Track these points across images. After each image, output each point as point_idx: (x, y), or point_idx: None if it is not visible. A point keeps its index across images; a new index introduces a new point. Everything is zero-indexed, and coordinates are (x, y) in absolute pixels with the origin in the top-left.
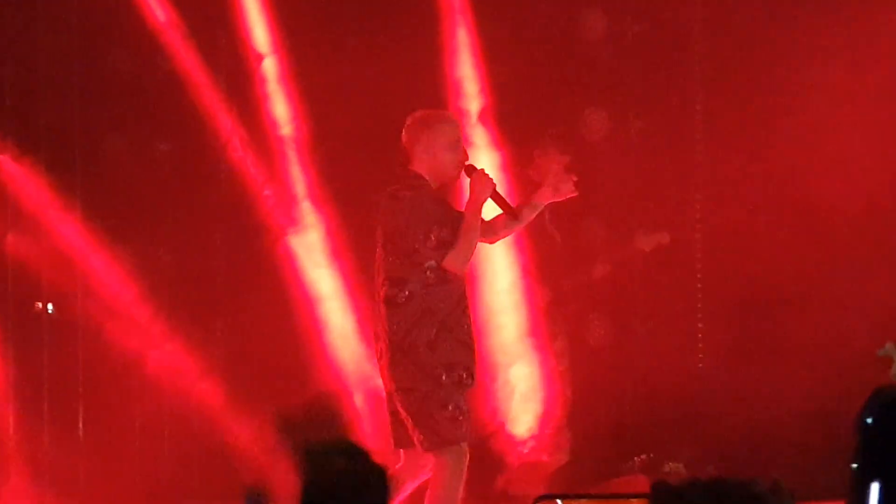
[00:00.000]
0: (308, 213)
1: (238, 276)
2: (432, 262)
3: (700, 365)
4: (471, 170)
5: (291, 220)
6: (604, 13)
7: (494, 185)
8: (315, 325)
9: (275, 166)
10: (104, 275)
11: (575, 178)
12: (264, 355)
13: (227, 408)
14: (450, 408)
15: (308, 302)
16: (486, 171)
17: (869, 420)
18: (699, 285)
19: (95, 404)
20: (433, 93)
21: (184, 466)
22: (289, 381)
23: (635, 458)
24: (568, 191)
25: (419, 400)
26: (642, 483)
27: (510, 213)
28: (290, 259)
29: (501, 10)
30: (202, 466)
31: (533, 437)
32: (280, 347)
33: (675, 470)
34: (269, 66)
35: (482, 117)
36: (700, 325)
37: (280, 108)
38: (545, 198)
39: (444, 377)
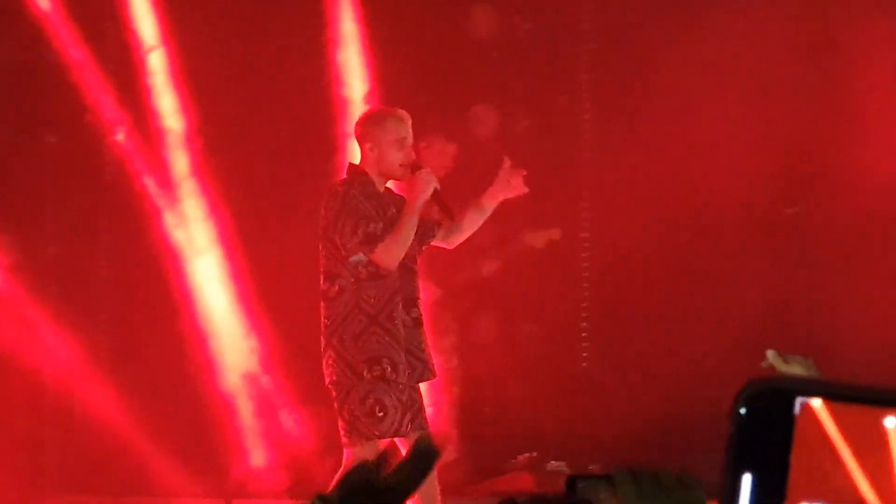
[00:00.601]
0: (193, 204)
1: (123, 269)
2: (361, 257)
3: (584, 364)
4: (414, 168)
5: (177, 211)
6: (494, 10)
7: (436, 185)
8: (200, 319)
9: (160, 158)
10: None
11: (524, 173)
12: (149, 348)
13: (111, 401)
14: (369, 402)
15: (192, 293)
16: (430, 172)
17: (742, 411)
18: (585, 284)
19: None
20: (319, 84)
21: (66, 459)
22: (173, 375)
23: (519, 457)
24: (518, 187)
25: (343, 394)
26: (526, 481)
27: (448, 216)
28: (176, 251)
29: (390, 2)
30: (84, 460)
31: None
32: (165, 340)
33: (558, 468)
34: (157, 58)
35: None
36: (585, 325)
37: (167, 100)
38: (495, 197)
39: (365, 372)
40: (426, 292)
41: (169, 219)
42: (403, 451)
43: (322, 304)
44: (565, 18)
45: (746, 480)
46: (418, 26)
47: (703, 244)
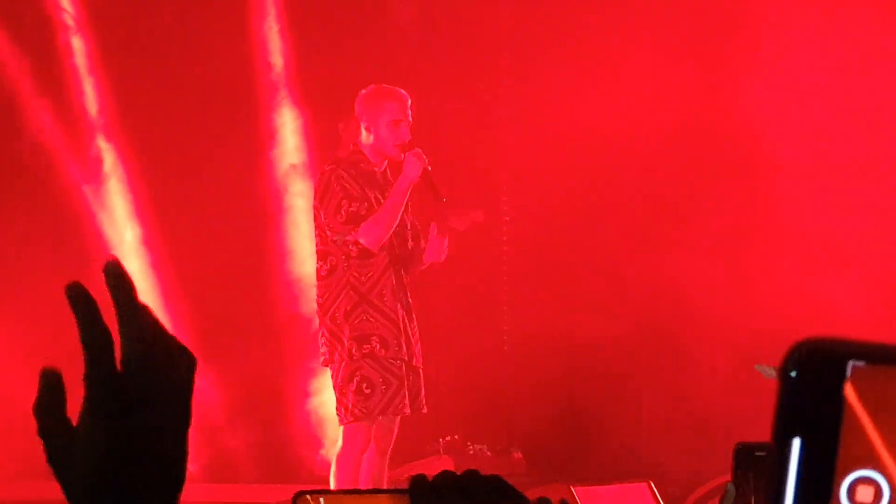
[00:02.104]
0: (115, 189)
1: (36, 257)
2: (347, 237)
3: (505, 348)
4: (406, 149)
5: (98, 198)
6: None
7: (427, 167)
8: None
9: (80, 142)
10: None
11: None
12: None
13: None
14: (356, 380)
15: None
16: (420, 153)
17: (792, 374)
18: (505, 268)
19: None
20: (238, 58)
21: (27, 446)
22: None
23: (440, 440)
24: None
25: (336, 373)
26: (447, 464)
27: (437, 198)
28: (98, 239)
29: None
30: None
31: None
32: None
33: (479, 452)
34: (76, 41)
35: (287, 83)
36: (505, 308)
37: (86, 82)
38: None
39: (354, 350)
40: None
41: (90, 206)
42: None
43: (316, 283)
44: (485, 3)
45: (796, 445)
46: (339, 13)
47: (622, 230)
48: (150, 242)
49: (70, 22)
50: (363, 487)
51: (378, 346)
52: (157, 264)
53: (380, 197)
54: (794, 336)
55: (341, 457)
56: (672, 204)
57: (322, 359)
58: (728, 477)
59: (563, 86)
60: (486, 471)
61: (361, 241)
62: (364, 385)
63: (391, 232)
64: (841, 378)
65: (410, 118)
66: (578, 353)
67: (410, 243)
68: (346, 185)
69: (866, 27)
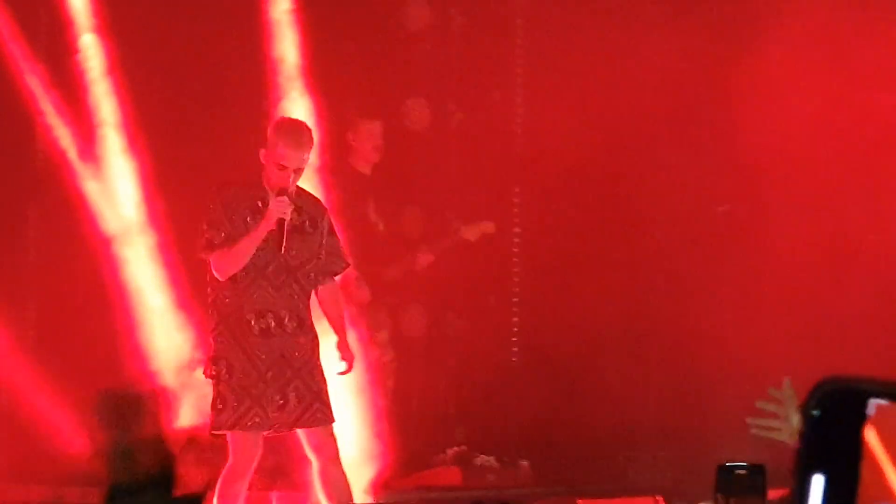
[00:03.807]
0: (126, 188)
1: (51, 253)
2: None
3: (514, 359)
4: (278, 193)
5: (109, 196)
6: (428, 3)
7: (286, 217)
8: (131, 306)
9: (92, 142)
10: None
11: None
12: (76, 335)
13: (37, 388)
14: (213, 395)
15: (123, 281)
16: (285, 202)
17: (815, 412)
18: (516, 279)
19: None
20: (254, 69)
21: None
22: (102, 364)
23: (448, 451)
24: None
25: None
26: (455, 475)
27: (278, 247)
28: (107, 237)
29: None
30: (7, 446)
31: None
32: (94, 328)
33: (486, 463)
34: (90, 42)
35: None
36: (515, 319)
37: (99, 83)
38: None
39: (212, 370)
40: (361, 288)
41: (100, 204)
42: (305, 444)
43: None
44: (499, 13)
45: (818, 481)
46: (354, 17)
47: (635, 239)
48: (164, 246)
49: (85, 21)
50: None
51: (224, 371)
52: (173, 270)
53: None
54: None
55: (224, 471)
56: (686, 215)
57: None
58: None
59: (576, 96)
60: (492, 481)
61: (212, 268)
62: (218, 401)
63: (239, 266)
64: (862, 416)
65: (303, 165)
66: (588, 366)
67: (307, 266)
68: (214, 211)
69: None
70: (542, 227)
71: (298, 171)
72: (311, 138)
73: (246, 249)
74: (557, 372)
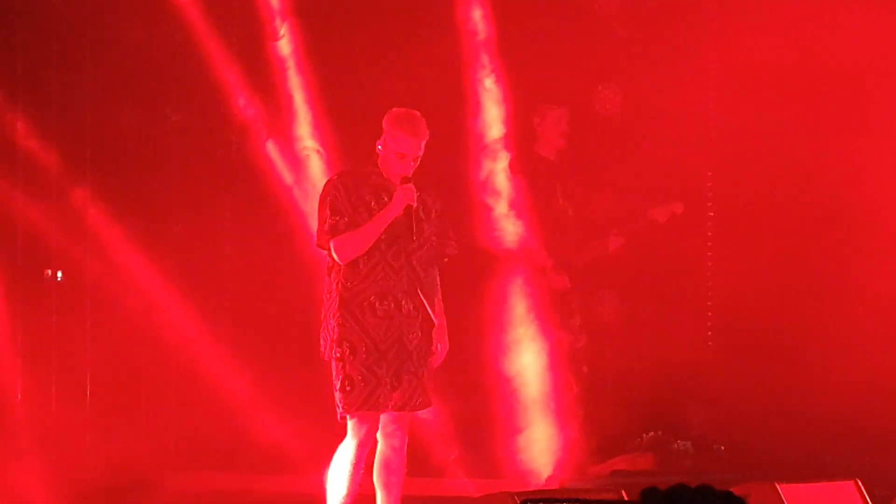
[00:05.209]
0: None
1: (247, 245)
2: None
3: (710, 343)
4: (402, 181)
5: (304, 187)
6: None
7: (414, 203)
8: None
9: (287, 133)
10: (113, 243)
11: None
12: (272, 322)
13: (235, 375)
14: (340, 378)
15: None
16: (411, 189)
17: None
18: (709, 263)
19: (103, 371)
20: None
21: (191, 433)
22: (297, 352)
23: (644, 435)
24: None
25: (332, 370)
26: (650, 460)
27: (409, 236)
28: (304, 228)
29: None
30: (209, 433)
31: (546, 414)
32: (288, 313)
33: (683, 448)
34: (283, 35)
35: (494, 73)
36: (710, 303)
37: (293, 77)
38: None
39: (335, 350)
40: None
41: (296, 194)
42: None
43: None
44: None
45: None
46: (543, 2)
47: (830, 221)
48: None
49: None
50: (380, 483)
51: (348, 352)
52: None
53: None
54: None
55: (340, 449)
56: (888, 194)
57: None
58: None
59: (769, 78)
60: (688, 466)
61: (333, 252)
62: (347, 383)
63: (363, 251)
64: None
65: (420, 153)
66: (784, 350)
67: (421, 251)
68: (337, 198)
69: None
70: (736, 210)
71: (417, 159)
72: (426, 127)
73: (372, 233)
74: (753, 356)
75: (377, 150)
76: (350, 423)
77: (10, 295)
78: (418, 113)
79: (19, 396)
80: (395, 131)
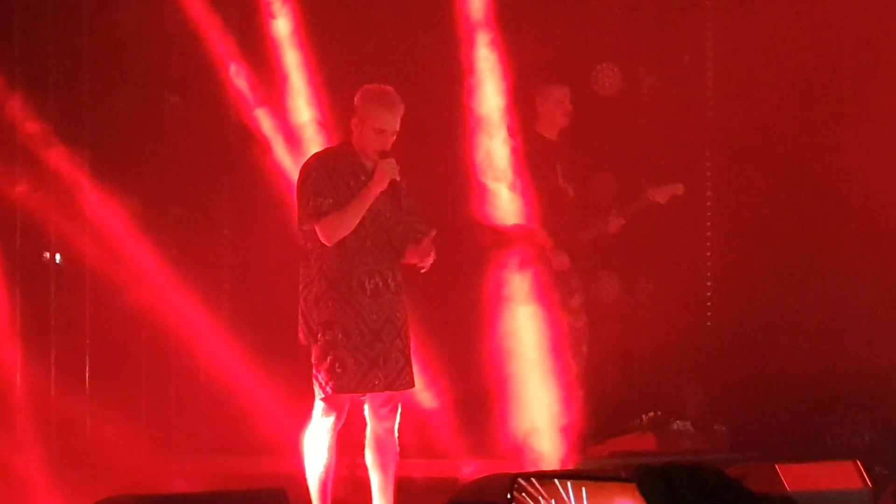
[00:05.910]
0: None
1: (245, 228)
2: (310, 228)
3: (709, 323)
4: (382, 156)
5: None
6: None
7: (396, 177)
8: None
9: (285, 116)
10: (111, 225)
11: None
12: (270, 306)
13: (235, 359)
14: (328, 359)
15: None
16: (392, 163)
17: None
18: (708, 243)
19: (102, 354)
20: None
21: (190, 417)
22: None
23: (643, 416)
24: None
25: (310, 352)
26: (650, 441)
27: (397, 207)
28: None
29: None
30: (209, 417)
31: (545, 394)
32: (287, 300)
33: (682, 428)
34: (280, 16)
35: (493, 51)
36: (709, 283)
37: (290, 56)
38: (409, 259)
39: (319, 334)
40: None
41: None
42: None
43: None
44: None
45: None
46: None
47: (827, 202)
48: None
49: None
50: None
51: (340, 335)
52: None
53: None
54: None
55: (317, 427)
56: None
57: (300, 336)
58: None
59: (767, 59)
60: (688, 446)
61: (319, 234)
62: (336, 364)
63: (350, 229)
64: None
65: (398, 127)
66: (783, 330)
67: (399, 227)
68: (318, 179)
69: None
70: (735, 190)
71: (394, 134)
72: (401, 102)
73: (357, 211)
74: (752, 336)
75: (351, 128)
76: (330, 403)
77: (9, 277)
78: (392, 88)
79: (18, 379)
80: (373, 108)
